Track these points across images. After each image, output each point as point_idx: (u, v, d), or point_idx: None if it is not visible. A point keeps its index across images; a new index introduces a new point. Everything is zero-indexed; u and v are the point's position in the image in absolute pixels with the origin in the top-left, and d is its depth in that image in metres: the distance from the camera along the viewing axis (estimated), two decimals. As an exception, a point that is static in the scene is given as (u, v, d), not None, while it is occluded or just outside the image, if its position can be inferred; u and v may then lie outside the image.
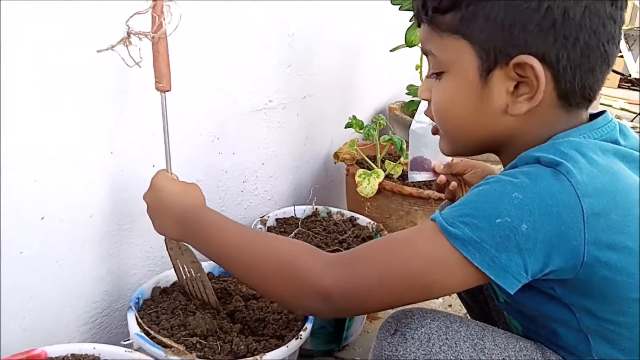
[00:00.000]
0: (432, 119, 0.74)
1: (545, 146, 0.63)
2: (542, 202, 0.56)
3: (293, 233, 1.20)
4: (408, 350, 0.62)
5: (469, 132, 0.70)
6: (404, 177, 1.44)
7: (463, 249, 0.57)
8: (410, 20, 1.19)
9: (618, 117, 3.94)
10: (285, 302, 0.70)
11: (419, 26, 0.73)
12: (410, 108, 1.89)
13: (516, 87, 0.63)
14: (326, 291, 0.61)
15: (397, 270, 0.60)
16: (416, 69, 1.37)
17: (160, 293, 0.92)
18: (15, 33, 0.71)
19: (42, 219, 0.82)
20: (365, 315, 1.24)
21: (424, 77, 1.37)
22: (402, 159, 1.36)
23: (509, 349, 0.64)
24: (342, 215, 1.32)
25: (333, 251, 1.16)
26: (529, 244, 0.56)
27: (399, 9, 1.17)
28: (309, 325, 0.86)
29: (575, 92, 0.63)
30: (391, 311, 0.69)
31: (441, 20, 0.65)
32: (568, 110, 0.65)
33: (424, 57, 0.73)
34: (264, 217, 1.24)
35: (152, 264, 1.05)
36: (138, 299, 0.89)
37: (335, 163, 1.45)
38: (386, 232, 1.23)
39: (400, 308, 0.67)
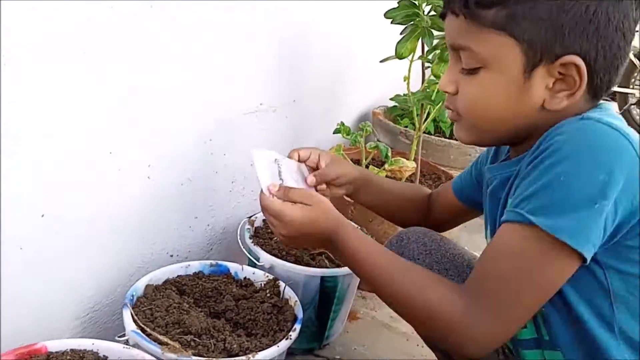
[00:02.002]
0: (454, 110, 0.74)
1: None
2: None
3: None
4: None
5: (503, 125, 0.71)
6: (386, 182, 1.49)
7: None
8: (401, 34, 1.24)
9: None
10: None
11: (442, 18, 0.72)
12: (393, 114, 1.95)
13: (554, 82, 0.67)
14: (472, 337, 0.64)
15: (534, 294, 0.64)
16: (404, 80, 1.42)
17: (153, 290, 0.95)
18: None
19: (42, 216, 0.84)
20: (347, 315, 1.29)
21: (411, 88, 1.42)
22: (386, 165, 1.41)
23: None
24: (327, 217, 1.36)
25: (320, 254, 1.21)
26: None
27: (391, 22, 1.21)
28: (298, 326, 0.90)
29: (603, 87, 0.69)
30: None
31: (484, 14, 0.66)
32: (592, 102, 0.70)
33: (450, 54, 0.72)
34: (252, 218, 1.28)
35: (142, 261, 1.08)
36: (132, 296, 0.91)
37: (321, 166, 1.49)
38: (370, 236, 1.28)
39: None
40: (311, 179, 0.89)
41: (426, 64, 1.39)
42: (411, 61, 1.35)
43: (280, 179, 0.80)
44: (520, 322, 0.66)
